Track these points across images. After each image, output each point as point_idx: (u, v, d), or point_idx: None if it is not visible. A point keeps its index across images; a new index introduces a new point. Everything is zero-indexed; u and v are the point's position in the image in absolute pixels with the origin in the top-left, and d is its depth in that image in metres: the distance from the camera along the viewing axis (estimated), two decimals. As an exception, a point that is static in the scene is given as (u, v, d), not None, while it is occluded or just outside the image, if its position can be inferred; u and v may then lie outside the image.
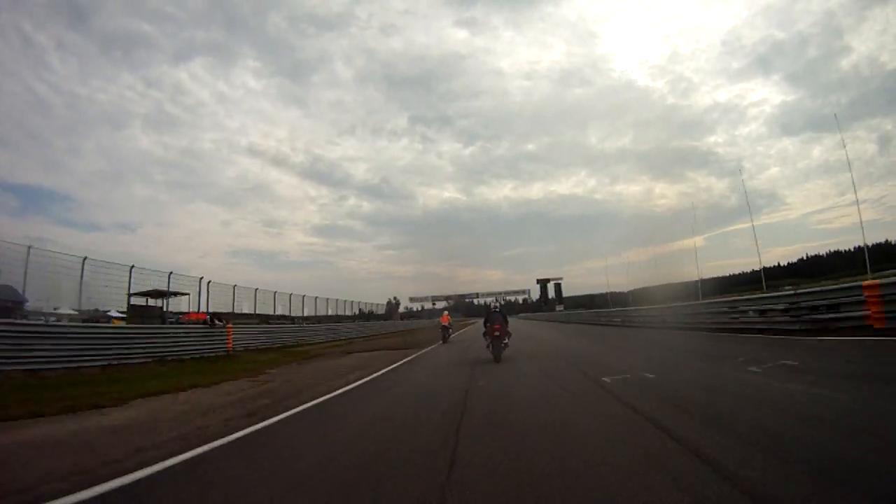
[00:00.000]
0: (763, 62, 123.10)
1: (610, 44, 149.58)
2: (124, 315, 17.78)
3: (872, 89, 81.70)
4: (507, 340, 10.25)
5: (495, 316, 10.54)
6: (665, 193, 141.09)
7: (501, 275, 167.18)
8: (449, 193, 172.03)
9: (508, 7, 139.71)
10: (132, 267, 16.26)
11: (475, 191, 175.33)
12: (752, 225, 46.06)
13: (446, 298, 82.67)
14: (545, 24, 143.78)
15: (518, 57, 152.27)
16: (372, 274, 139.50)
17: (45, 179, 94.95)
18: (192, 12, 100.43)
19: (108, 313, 18.67)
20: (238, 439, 4.31)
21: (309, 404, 6.16)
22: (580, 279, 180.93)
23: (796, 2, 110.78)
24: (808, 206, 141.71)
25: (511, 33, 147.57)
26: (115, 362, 10.84)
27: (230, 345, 15.92)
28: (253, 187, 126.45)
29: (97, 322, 15.88)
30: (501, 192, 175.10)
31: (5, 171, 76.48)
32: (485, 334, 10.56)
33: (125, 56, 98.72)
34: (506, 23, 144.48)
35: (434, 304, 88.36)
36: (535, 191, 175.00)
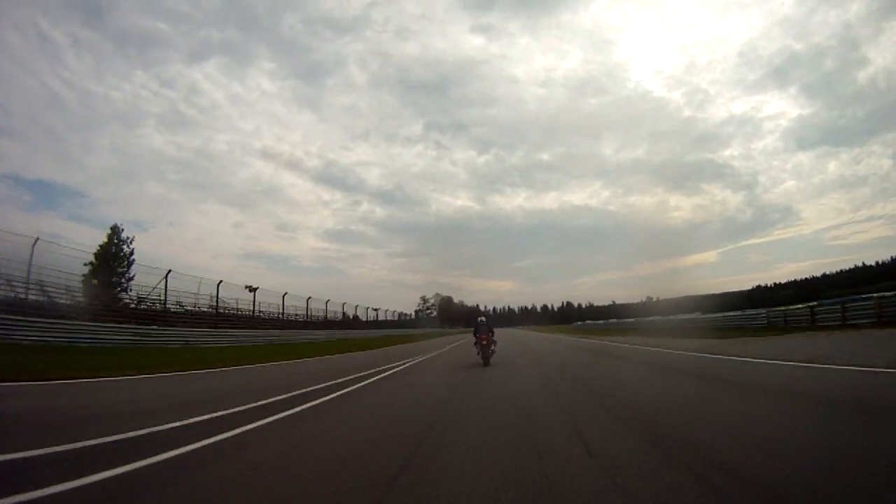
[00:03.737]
0: (780, 74, 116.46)
1: (626, 53, 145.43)
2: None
3: (889, 103, 75.21)
4: (493, 347, 12.17)
5: (483, 328, 12.29)
6: (679, 206, 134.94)
7: (512, 286, 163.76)
8: (462, 201, 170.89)
9: (525, 14, 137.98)
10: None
11: (489, 199, 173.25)
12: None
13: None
14: (562, 31, 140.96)
15: (534, 64, 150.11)
16: (382, 281, 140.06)
17: (57, 175, 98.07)
18: (207, 12, 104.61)
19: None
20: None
21: None
22: (592, 291, 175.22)
23: (814, 13, 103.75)
24: (822, 221, 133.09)
25: (527, 40, 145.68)
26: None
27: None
28: (266, 190, 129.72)
29: None
30: (515, 202, 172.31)
31: (19, 165, 79.41)
32: (475, 343, 12.33)
33: (140, 54, 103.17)
34: (522, 29, 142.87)
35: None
36: (549, 201, 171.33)
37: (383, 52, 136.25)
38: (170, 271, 22.76)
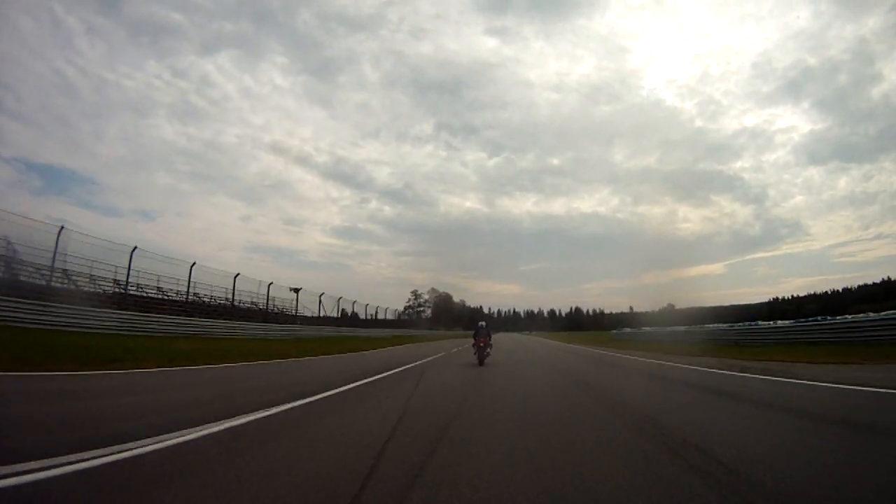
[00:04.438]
0: (793, 87, 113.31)
1: (640, 60, 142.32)
2: None
3: None
4: (489, 350, 13.46)
5: (482, 332, 13.40)
6: (688, 217, 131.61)
7: (518, 290, 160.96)
8: (471, 203, 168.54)
9: (540, 18, 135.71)
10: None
11: (497, 202, 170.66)
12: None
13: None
14: (576, 36, 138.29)
15: (547, 69, 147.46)
16: (388, 279, 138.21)
17: (67, 161, 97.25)
18: (221, 3, 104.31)
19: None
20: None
21: None
22: (599, 298, 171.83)
23: (829, 27, 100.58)
24: (830, 237, 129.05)
25: (541, 44, 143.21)
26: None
27: None
28: (275, 184, 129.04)
29: None
30: (524, 206, 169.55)
31: (29, 150, 79.60)
32: (473, 345, 13.46)
33: (153, 44, 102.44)
34: (536, 34, 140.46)
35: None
36: (558, 206, 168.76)
37: (397, 51, 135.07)
38: (135, 248, 21.33)
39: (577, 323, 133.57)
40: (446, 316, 74.99)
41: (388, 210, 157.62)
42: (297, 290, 35.46)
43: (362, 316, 52.47)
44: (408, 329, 57.08)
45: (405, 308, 72.75)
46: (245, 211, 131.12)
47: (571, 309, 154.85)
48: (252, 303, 31.42)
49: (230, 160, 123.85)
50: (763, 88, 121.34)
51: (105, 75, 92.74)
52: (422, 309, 77.96)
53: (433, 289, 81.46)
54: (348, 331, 39.18)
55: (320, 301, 38.32)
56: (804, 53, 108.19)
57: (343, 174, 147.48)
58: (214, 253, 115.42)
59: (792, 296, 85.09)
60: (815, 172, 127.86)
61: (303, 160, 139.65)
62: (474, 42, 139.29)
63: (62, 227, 18.18)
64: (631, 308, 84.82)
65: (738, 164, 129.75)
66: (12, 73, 66.83)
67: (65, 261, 19.17)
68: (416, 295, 79.84)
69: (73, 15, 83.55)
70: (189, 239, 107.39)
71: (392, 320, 56.94)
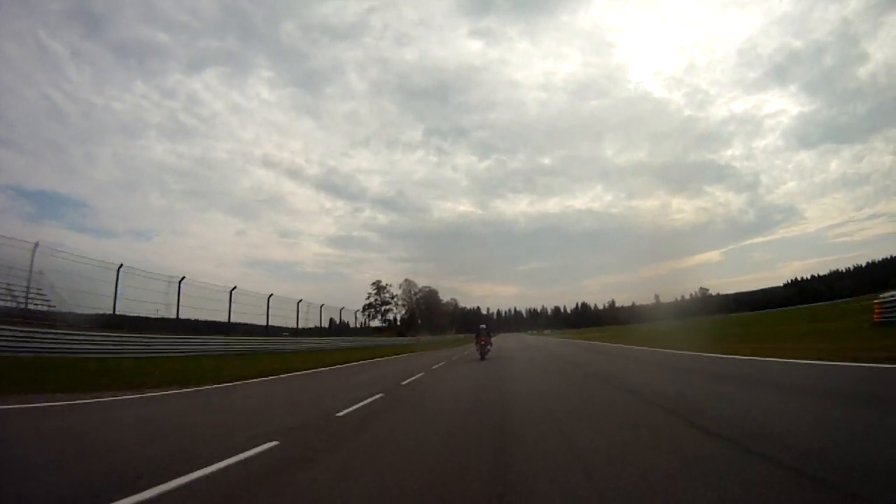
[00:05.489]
0: (779, 72, 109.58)
1: (626, 54, 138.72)
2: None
3: (890, 98, 70.70)
4: (489, 347, 16.45)
5: (483, 333, 16.39)
6: (682, 208, 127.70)
7: (516, 290, 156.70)
8: (464, 207, 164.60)
9: (524, 17, 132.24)
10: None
11: (491, 205, 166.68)
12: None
13: None
14: (561, 34, 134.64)
15: (533, 68, 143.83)
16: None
17: (60, 185, 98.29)
18: (205, 21, 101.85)
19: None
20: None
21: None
22: (597, 294, 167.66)
23: (812, 9, 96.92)
24: (825, 220, 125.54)
25: (526, 44, 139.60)
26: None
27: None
28: (268, 198, 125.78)
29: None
30: (518, 207, 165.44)
31: (21, 176, 77.66)
32: (476, 343, 16.60)
33: (140, 65, 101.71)
34: (521, 34, 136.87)
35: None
36: (552, 205, 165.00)
37: (382, 59, 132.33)
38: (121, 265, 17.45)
39: (586, 319, 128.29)
40: (432, 317, 58.68)
41: (382, 218, 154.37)
42: (269, 297, 31.43)
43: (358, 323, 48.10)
44: (358, 338, 40.00)
45: (364, 307, 53.82)
46: (240, 226, 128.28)
47: (578, 305, 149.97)
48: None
49: (222, 176, 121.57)
50: (750, 75, 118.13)
51: (93, 99, 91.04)
52: (389, 307, 58.14)
53: (407, 279, 60.83)
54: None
55: (321, 312, 35.67)
56: (788, 37, 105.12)
57: (335, 185, 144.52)
58: (212, 269, 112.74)
59: (813, 275, 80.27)
60: (806, 156, 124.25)
61: (294, 172, 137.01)
62: (459, 45, 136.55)
63: (37, 244, 15.45)
64: (657, 296, 79.16)
65: (729, 153, 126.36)
66: (1, 100, 64.39)
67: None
68: (378, 288, 57.13)
69: (58, 40, 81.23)
70: (186, 256, 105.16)
71: (360, 328, 48.22)
